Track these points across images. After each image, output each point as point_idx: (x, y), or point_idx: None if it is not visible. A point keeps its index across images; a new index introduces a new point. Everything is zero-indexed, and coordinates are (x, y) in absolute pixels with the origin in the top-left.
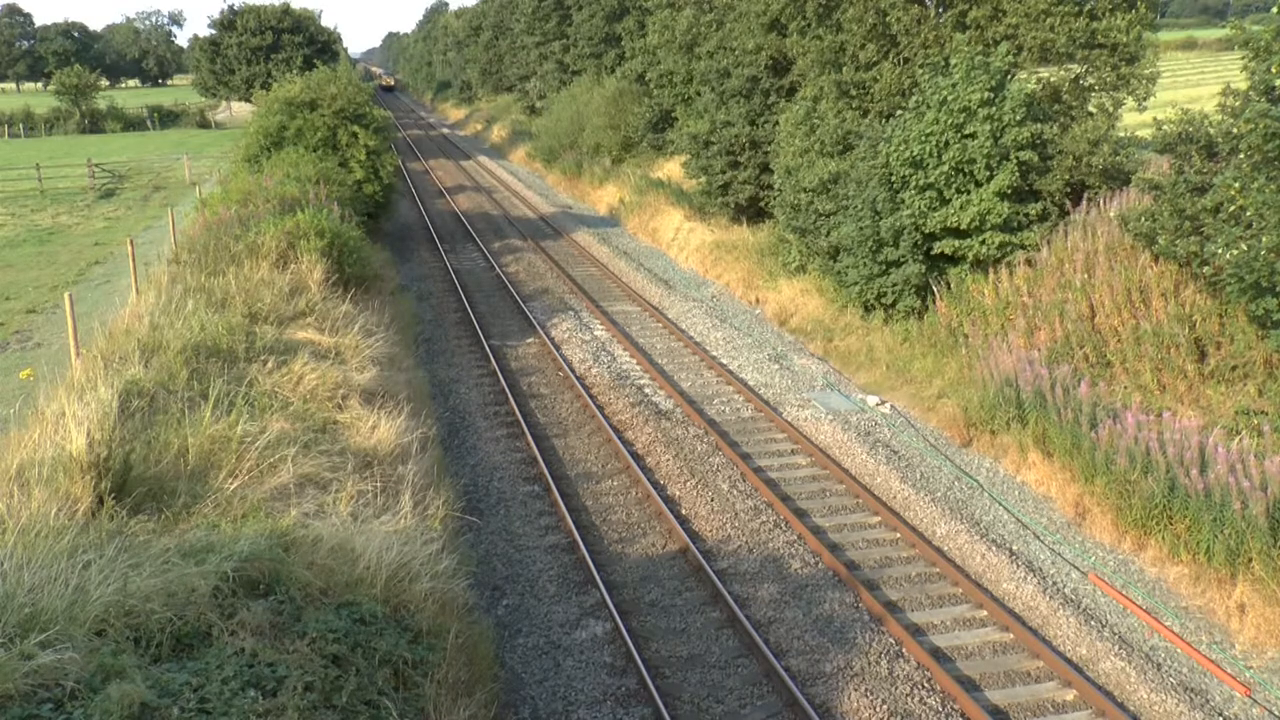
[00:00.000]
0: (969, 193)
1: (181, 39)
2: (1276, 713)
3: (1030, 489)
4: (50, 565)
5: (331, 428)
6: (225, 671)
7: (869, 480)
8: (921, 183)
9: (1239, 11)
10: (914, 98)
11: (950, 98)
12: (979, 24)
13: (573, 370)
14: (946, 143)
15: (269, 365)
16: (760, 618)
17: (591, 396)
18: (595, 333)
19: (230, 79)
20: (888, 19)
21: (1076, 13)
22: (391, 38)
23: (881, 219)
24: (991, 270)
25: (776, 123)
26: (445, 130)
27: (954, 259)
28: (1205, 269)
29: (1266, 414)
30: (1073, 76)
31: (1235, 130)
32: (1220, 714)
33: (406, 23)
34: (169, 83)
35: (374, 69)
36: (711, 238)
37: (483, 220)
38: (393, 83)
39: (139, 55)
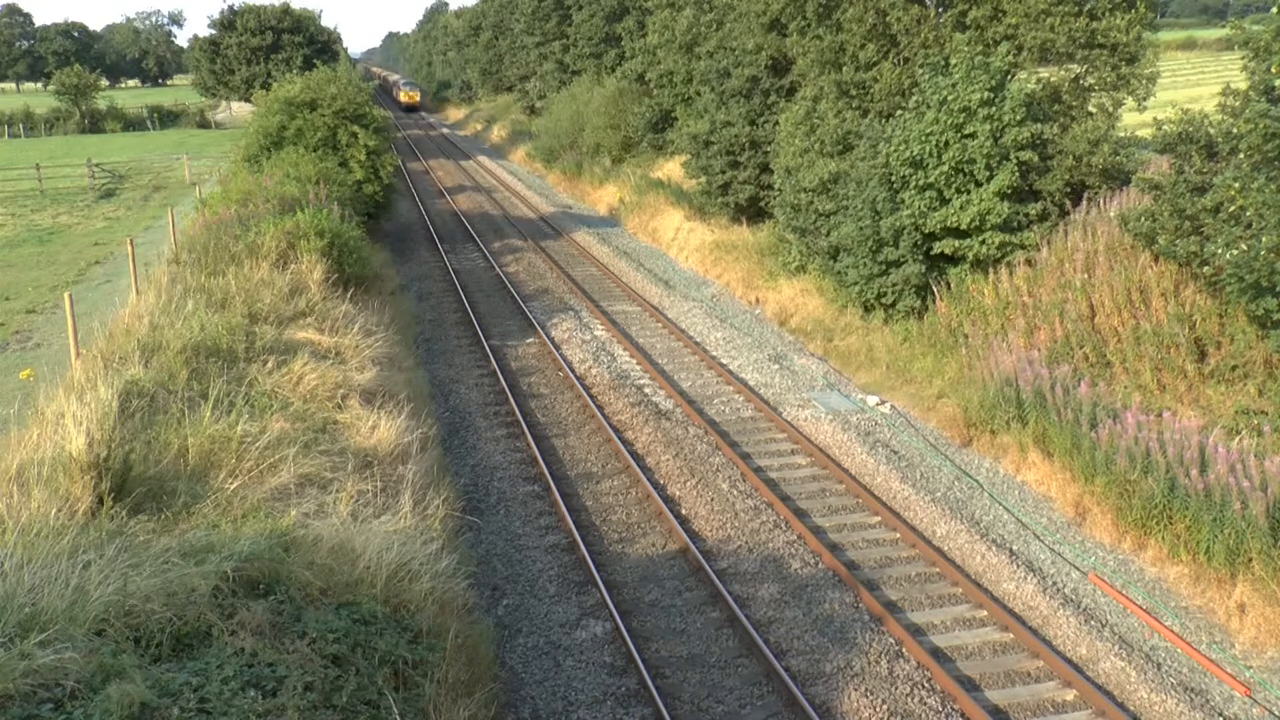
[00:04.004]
0: (969, 193)
1: (181, 39)
2: (1276, 713)
3: (1030, 489)
4: (50, 565)
5: (331, 428)
6: (225, 671)
7: (869, 480)
8: (921, 183)
9: (1239, 11)
10: (914, 98)
11: (950, 98)
12: (979, 24)
13: (573, 370)
14: (946, 143)
15: (269, 365)
16: (760, 618)
17: (591, 396)
18: (595, 333)
19: (230, 79)
20: (888, 19)
21: (1076, 13)
22: (391, 38)
23: (881, 219)
24: (991, 270)
25: (776, 123)
26: (445, 130)
27: (954, 259)
28: (1205, 269)
29: (1266, 414)
30: (1073, 76)
31: (1235, 130)
32: (1220, 714)
33: (406, 23)
34: (169, 83)
35: (375, 69)
36: (711, 238)
37: (482, 220)
38: (417, 99)
39: (139, 55)
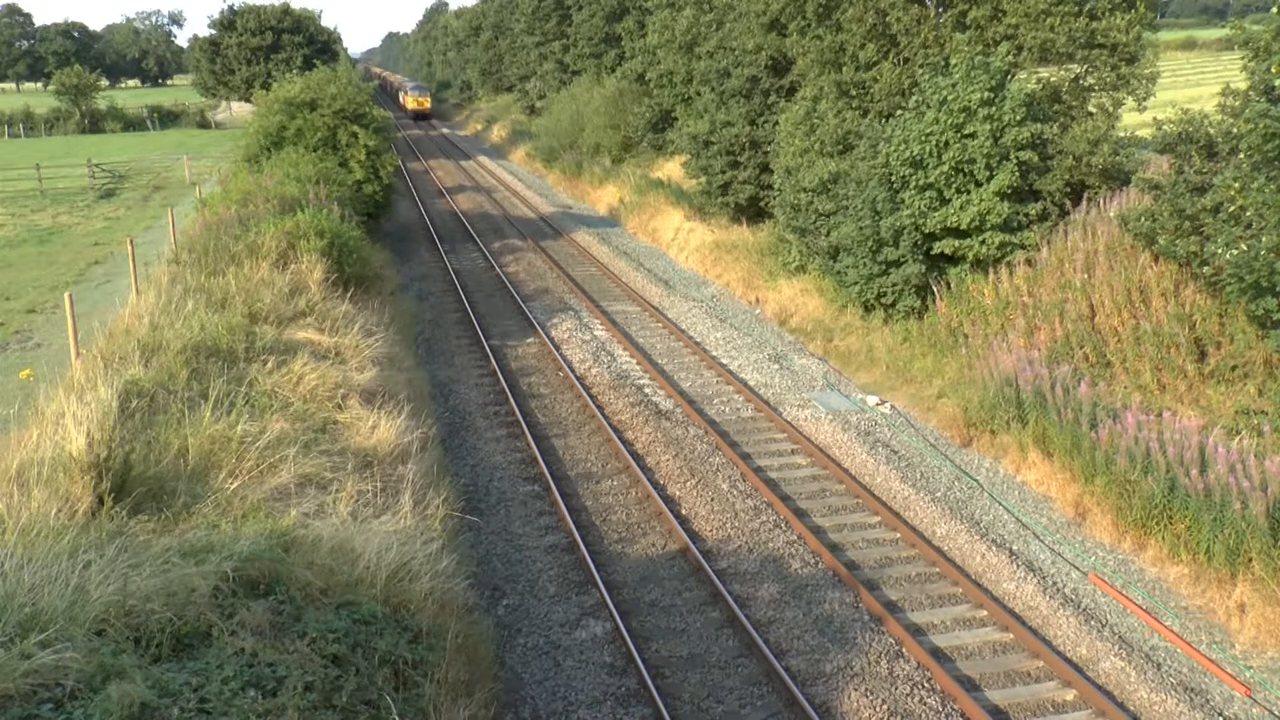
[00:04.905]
0: (969, 193)
1: (181, 39)
2: (1276, 713)
3: (1030, 489)
4: (50, 565)
5: (331, 428)
6: (225, 671)
7: (869, 480)
8: (921, 183)
9: (1239, 11)
10: (914, 98)
11: (950, 98)
12: (979, 24)
13: (573, 370)
14: (946, 143)
15: (269, 365)
16: (760, 618)
17: (591, 396)
18: (595, 333)
19: (230, 79)
20: (888, 19)
21: (1076, 13)
22: (391, 38)
23: (881, 219)
24: (991, 270)
25: (776, 123)
26: (445, 130)
27: (954, 259)
28: (1205, 269)
29: (1266, 414)
30: (1073, 76)
31: (1235, 130)
32: (1220, 714)
33: (407, 23)
34: (169, 83)
35: (375, 69)
36: (711, 238)
37: (482, 220)
38: (428, 106)
39: (139, 55)
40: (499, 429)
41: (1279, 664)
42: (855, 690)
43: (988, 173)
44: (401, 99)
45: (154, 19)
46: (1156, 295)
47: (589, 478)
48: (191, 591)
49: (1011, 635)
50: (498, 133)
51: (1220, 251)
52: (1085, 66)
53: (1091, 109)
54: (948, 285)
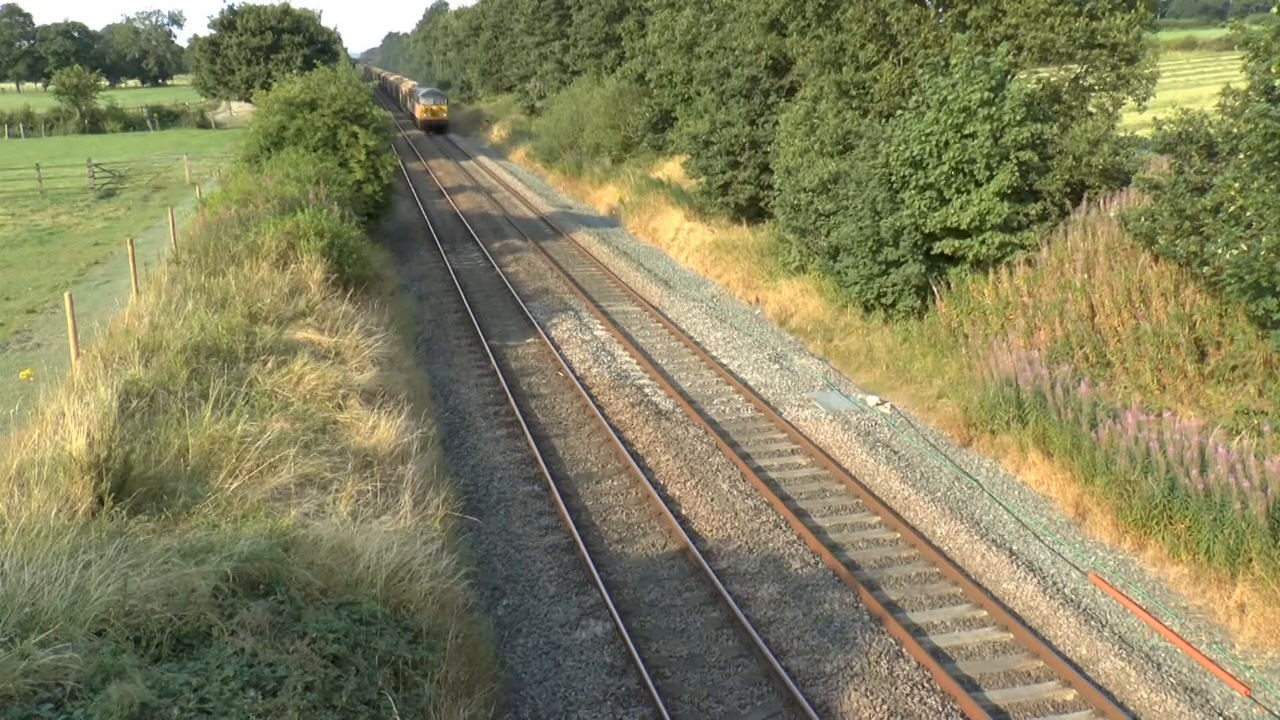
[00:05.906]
0: (969, 193)
1: (181, 39)
2: (1276, 713)
3: (1030, 489)
4: (50, 565)
5: (331, 428)
6: (225, 671)
7: (869, 480)
8: (921, 183)
9: (1239, 11)
10: (914, 98)
11: (950, 98)
12: (979, 24)
13: (573, 370)
14: (946, 143)
15: (269, 365)
16: (760, 618)
17: (591, 396)
18: (595, 333)
19: (230, 79)
20: (888, 19)
21: (1076, 13)
22: (391, 38)
23: (881, 219)
24: (991, 270)
25: (776, 123)
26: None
27: (954, 259)
28: (1205, 269)
29: (1266, 414)
30: (1073, 76)
31: (1235, 130)
32: (1220, 714)
33: (407, 23)
34: (169, 83)
35: (375, 69)
36: (711, 238)
37: (482, 220)
38: (445, 114)
39: (139, 55)
40: (499, 429)
41: (1279, 664)
42: (855, 690)
43: (988, 173)
44: (411, 106)
45: (154, 19)
46: (1156, 295)
47: (589, 478)
48: (191, 591)
49: (1011, 635)
50: (498, 133)
51: (1220, 251)
52: (1085, 66)
53: (1091, 109)
54: (948, 285)
